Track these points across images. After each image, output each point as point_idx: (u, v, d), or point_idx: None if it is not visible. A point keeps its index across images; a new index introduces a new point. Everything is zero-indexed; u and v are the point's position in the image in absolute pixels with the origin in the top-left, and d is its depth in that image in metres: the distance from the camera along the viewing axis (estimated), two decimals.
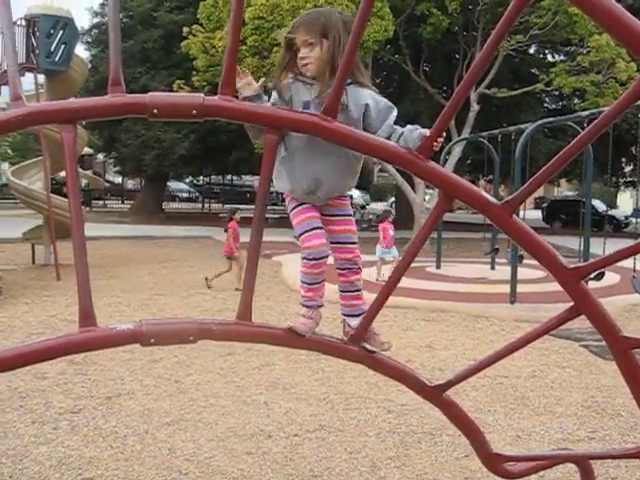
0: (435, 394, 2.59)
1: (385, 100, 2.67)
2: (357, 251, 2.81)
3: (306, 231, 2.66)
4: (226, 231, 12.21)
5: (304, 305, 2.69)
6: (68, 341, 2.17)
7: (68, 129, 2.16)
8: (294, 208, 2.76)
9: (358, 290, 2.83)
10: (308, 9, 17.30)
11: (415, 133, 2.34)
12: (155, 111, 2.18)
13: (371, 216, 28.96)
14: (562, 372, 6.84)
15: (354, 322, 2.73)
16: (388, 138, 2.42)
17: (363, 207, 35.36)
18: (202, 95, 2.19)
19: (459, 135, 19.60)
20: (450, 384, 2.56)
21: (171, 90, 21.87)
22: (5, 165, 55.24)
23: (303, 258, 2.64)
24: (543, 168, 2.19)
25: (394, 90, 30.03)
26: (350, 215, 2.86)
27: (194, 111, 2.17)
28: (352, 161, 2.69)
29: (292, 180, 2.70)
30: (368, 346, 2.60)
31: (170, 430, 4.99)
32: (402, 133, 2.42)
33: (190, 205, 44.77)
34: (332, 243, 2.76)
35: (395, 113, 2.60)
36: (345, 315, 2.83)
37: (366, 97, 2.61)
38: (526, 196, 2.24)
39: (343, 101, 2.46)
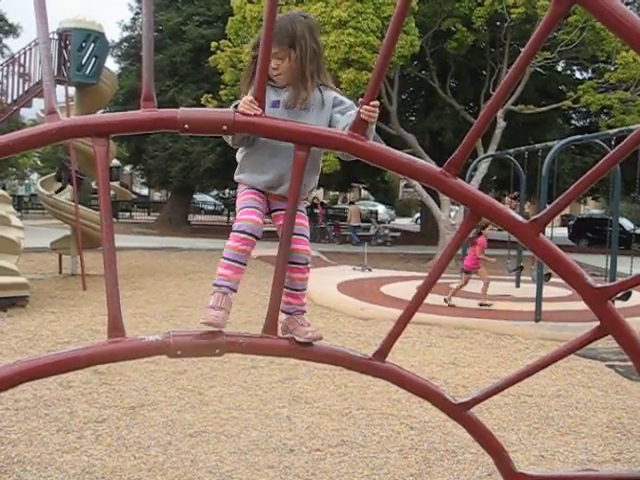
0: (459, 411, 2.57)
1: (349, 100, 2.79)
2: (308, 246, 2.70)
3: (245, 207, 2.63)
4: (473, 245, 12.04)
5: (215, 284, 2.57)
6: (97, 351, 2.19)
7: (101, 143, 2.19)
8: (243, 191, 2.74)
9: (297, 290, 2.73)
10: (334, 25, 17.47)
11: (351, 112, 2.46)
12: (186, 126, 2.20)
13: (387, 231, 28.72)
14: (587, 392, 6.77)
15: (284, 317, 2.65)
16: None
17: (379, 222, 35.14)
18: (233, 111, 2.22)
19: (485, 152, 19.54)
20: (475, 401, 2.54)
21: (199, 103, 22.10)
22: (34, 176, 56.05)
23: (233, 231, 2.56)
24: (572, 186, 2.18)
25: (420, 106, 30.08)
26: (302, 212, 2.79)
27: (225, 127, 2.20)
28: (316, 157, 2.69)
29: (255, 173, 2.69)
30: (295, 336, 2.51)
31: (193, 442, 5.01)
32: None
33: (215, 218, 45.00)
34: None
35: (356, 110, 2.61)
36: (283, 311, 2.68)
37: (335, 96, 2.75)
38: (554, 214, 2.23)
39: (321, 99, 2.66)
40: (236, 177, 2.79)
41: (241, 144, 2.68)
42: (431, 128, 25.79)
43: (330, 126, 2.64)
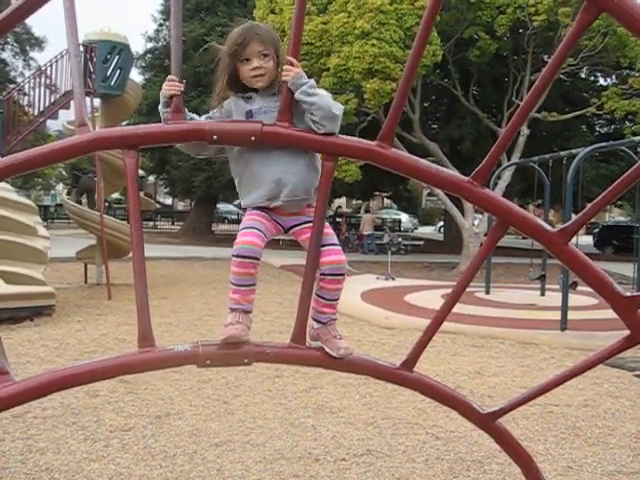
0: (487, 421, 2.56)
1: None
2: (342, 254, 2.60)
3: (243, 229, 2.56)
4: None
5: (230, 308, 2.56)
6: (127, 361, 2.22)
7: (131, 154, 2.23)
8: (246, 213, 2.68)
9: (333, 300, 2.66)
10: (357, 35, 17.52)
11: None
12: (214, 137, 2.23)
13: (400, 239, 28.52)
14: (615, 402, 6.69)
15: (316, 325, 2.65)
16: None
17: (394, 230, 34.92)
18: (261, 122, 2.24)
19: (509, 160, 19.46)
20: (503, 411, 2.53)
21: None
22: (60, 186, 56.69)
23: (232, 255, 2.52)
24: (600, 195, 2.18)
25: (442, 114, 30.03)
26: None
27: (253, 137, 2.22)
28: (311, 157, 2.60)
29: (252, 192, 2.63)
30: (327, 348, 2.51)
31: (219, 451, 5.03)
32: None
33: (239, 227, 45.09)
34: None
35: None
36: (313, 318, 2.67)
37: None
38: (583, 223, 2.23)
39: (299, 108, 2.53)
40: (242, 202, 2.72)
41: (197, 153, 2.68)
42: (452, 136, 25.74)
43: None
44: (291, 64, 2.30)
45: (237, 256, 2.49)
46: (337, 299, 2.69)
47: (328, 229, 2.62)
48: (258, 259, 2.52)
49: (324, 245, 2.51)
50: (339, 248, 2.60)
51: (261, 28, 2.65)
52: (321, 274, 2.56)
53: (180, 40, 2.31)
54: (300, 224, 2.66)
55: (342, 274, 2.60)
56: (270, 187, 2.56)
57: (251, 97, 2.59)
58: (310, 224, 2.49)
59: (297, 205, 2.62)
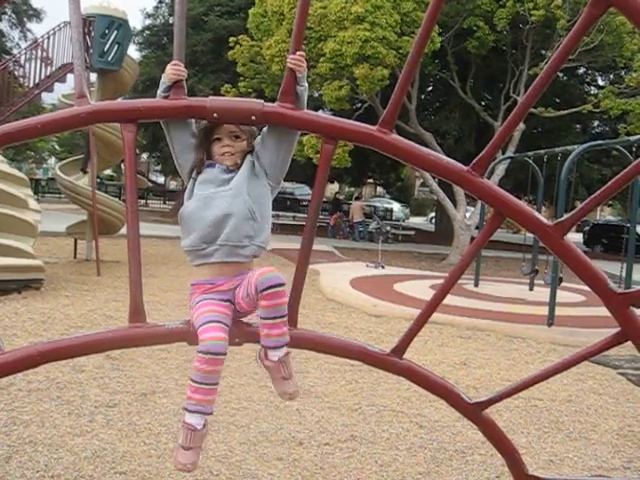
0: (474, 411, 2.57)
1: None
2: (274, 270, 2.42)
3: (204, 323, 2.36)
4: None
5: (186, 409, 2.38)
6: (119, 335, 2.22)
7: (130, 128, 2.21)
8: (195, 298, 2.54)
9: (278, 318, 2.41)
10: (352, 20, 17.41)
11: None
12: (215, 115, 2.22)
13: (388, 228, 28.45)
14: (598, 399, 6.74)
15: (272, 355, 2.47)
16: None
17: (384, 218, 34.77)
18: (262, 101, 2.23)
19: (503, 154, 19.47)
20: (490, 402, 2.55)
21: (217, 93, 22.17)
22: (52, 160, 56.41)
23: (198, 351, 2.33)
24: (599, 191, 2.18)
25: (439, 106, 29.99)
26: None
27: (253, 117, 2.21)
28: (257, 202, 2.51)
29: (185, 236, 2.52)
30: (273, 384, 2.52)
31: None
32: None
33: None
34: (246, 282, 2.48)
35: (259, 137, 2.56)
36: (264, 346, 2.48)
37: (257, 150, 2.54)
38: (579, 218, 2.23)
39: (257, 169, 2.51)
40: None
41: (183, 152, 2.57)
42: (450, 128, 25.74)
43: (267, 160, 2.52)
44: (302, 58, 2.28)
45: (207, 353, 2.30)
46: (279, 318, 2.42)
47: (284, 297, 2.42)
48: (226, 354, 2.36)
49: (254, 271, 2.43)
50: (270, 268, 2.43)
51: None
52: (258, 292, 2.37)
53: (184, 30, 2.30)
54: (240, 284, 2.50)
55: (275, 285, 2.36)
56: (207, 229, 2.45)
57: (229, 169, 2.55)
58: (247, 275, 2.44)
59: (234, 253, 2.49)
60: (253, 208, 2.45)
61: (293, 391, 2.52)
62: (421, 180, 48.51)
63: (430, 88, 30.52)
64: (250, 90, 22.03)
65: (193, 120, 2.44)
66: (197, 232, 2.45)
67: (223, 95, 20.59)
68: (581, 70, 27.59)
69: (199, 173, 2.53)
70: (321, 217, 28.27)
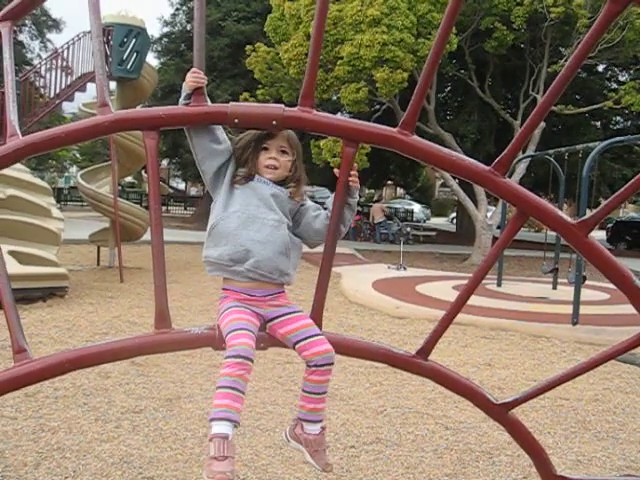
0: (501, 412, 2.56)
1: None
2: (328, 344, 2.48)
3: (232, 331, 2.39)
4: None
5: (213, 418, 2.31)
6: (145, 341, 2.23)
7: (152, 136, 2.23)
8: (224, 305, 2.57)
9: (325, 393, 2.54)
10: (369, 23, 17.41)
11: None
12: (236, 120, 2.24)
13: (409, 229, 28.37)
14: (625, 397, 6.67)
15: (312, 429, 2.51)
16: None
17: (405, 220, 34.73)
18: (282, 106, 2.24)
19: (524, 152, 19.36)
20: (517, 402, 2.53)
21: (235, 99, 22.26)
22: (74, 169, 56.93)
23: (226, 357, 2.33)
24: (622, 188, 2.16)
25: (457, 105, 29.90)
26: (300, 311, 2.59)
27: (274, 122, 2.22)
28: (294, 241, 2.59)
29: (213, 246, 2.59)
30: (309, 457, 2.54)
31: None
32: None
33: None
34: (297, 343, 2.51)
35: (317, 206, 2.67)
36: (303, 419, 2.53)
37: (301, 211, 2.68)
38: (603, 216, 2.22)
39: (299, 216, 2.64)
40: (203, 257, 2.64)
41: (211, 156, 2.56)
42: (469, 128, 25.65)
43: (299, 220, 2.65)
44: (356, 175, 2.40)
45: (237, 356, 2.30)
46: (326, 392, 2.56)
47: (306, 319, 2.51)
48: (253, 362, 2.35)
49: (307, 337, 2.47)
50: (324, 337, 2.49)
51: (290, 131, 2.61)
52: (311, 366, 2.48)
53: (203, 36, 2.33)
54: (280, 316, 2.55)
55: (332, 363, 2.51)
56: (236, 249, 2.49)
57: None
58: (291, 315, 2.51)
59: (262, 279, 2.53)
60: (289, 245, 2.51)
61: (331, 462, 2.58)
62: (441, 181, 48.35)
63: (448, 88, 30.43)
64: (268, 97, 22.13)
65: (217, 127, 2.46)
66: (227, 248, 2.48)
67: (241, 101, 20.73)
68: (601, 67, 27.38)
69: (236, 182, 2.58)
70: None
